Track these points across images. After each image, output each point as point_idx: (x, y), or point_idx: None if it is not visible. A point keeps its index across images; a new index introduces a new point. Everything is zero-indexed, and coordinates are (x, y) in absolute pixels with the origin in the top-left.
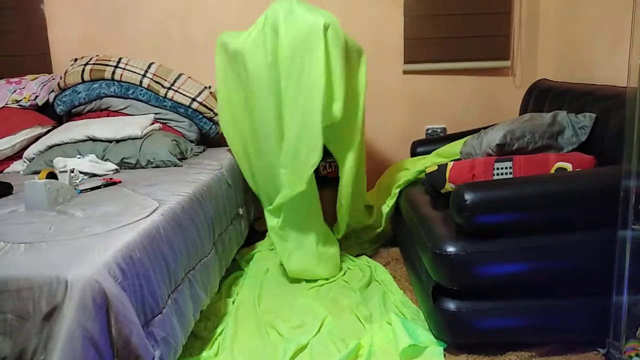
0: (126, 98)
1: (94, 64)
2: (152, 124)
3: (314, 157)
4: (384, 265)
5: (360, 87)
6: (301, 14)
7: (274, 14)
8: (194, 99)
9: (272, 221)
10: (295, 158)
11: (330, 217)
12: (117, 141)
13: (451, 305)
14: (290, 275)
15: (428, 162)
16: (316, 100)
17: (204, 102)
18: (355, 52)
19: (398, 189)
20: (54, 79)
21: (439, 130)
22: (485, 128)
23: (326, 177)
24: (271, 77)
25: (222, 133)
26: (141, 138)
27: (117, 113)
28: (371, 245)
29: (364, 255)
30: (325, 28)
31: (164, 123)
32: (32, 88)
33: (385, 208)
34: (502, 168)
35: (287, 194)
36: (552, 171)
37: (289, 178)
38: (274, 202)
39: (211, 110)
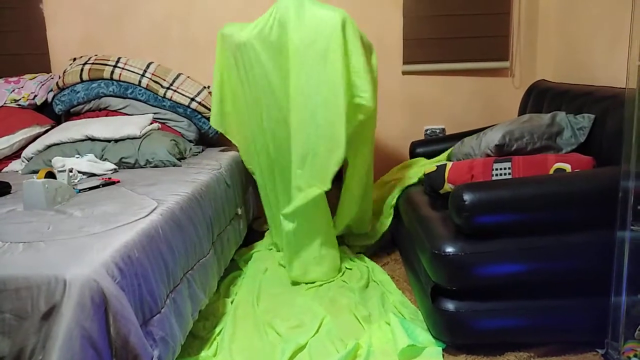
0: (125, 98)
1: (92, 63)
2: (151, 123)
3: (338, 154)
4: (383, 266)
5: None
6: (314, 10)
7: (283, 10)
8: (192, 99)
9: (287, 225)
10: (315, 157)
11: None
12: (116, 141)
13: (450, 305)
14: (291, 280)
15: (419, 172)
16: (337, 95)
17: (203, 102)
18: (367, 47)
19: (392, 209)
20: (52, 78)
21: (437, 131)
22: (484, 129)
23: None
24: (277, 71)
25: (221, 132)
26: (140, 138)
27: (116, 113)
28: (370, 246)
29: (362, 255)
30: (344, 23)
31: (163, 123)
32: (31, 87)
33: (382, 227)
34: (501, 169)
35: (307, 195)
36: (551, 172)
37: (306, 180)
38: (291, 205)
39: (210, 110)
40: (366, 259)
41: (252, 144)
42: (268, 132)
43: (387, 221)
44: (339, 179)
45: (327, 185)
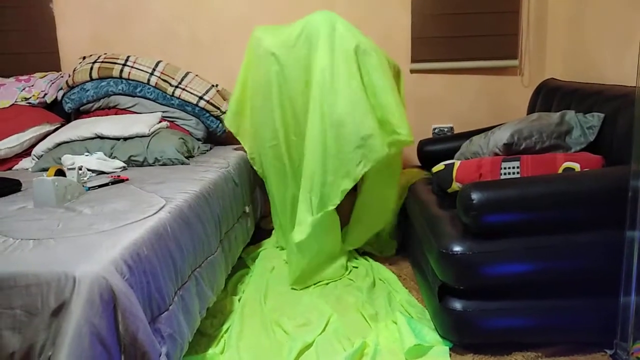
0: (134, 96)
1: (102, 62)
2: (160, 122)
3: (344, 185)
4: (390, 265)
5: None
6: (342, 34)
7: (314, 29)
8: (201, 97)
9: (300, 259)
10: (323, 184)
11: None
12: (125, 139)
13: (457, 304)
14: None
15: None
16: (345, 125)
17: (211, 101)
18: (394, 70)
19: (391, 237)
20: (62, 76)
21: (446, 130)
22: (492, 127)
23: None
24: (299, 86)
25: (229, 130)
26: (149, 136)
27: (125, 111)
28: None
29: (366, 256)
30: (357, 50)
31: (172, 121)
32: (41, 86)
33: (389, 250)
34: (509, 168)
35: (317, 218)
36: (560, 171)
37: (316, 206)
38: (302, 230)
39: (218, 108)
40: (370, 259)
41: (265, 150)
42: (284, 143)
43: (391, 246)
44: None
45: (335, 204)
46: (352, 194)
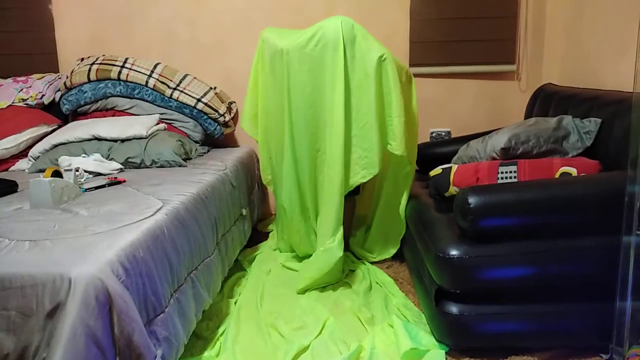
0: (132, 98)
1: (100, 63)
2: (157, 124)
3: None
4: (387, 268)
5: (414, 113)
6: (360, 43)
7: (331, 34)
8: (199, 100)
9: (321, 271)
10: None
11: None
12: (122, 141)
13: (453, 308)
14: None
15: None
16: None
17: (209, 103)
18: (405, 77)
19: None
20: (60, 78)
21: (443, 134)
22: (490, 132)
23: None
24: (310, 92)
25: (228, 133)
26: (146, 138)
27: (123, 113)
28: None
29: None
30: (378, 61)
31: (169, 123)
32: (39, 87)
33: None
34: (506, 172)
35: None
36: (557, 176)
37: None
38: (341, 246)
39: (216, 111)
40: (367, 262)
41: (274, 153)
42: (289, 152)
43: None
44: (354, 193)
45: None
46: (352, 199)
